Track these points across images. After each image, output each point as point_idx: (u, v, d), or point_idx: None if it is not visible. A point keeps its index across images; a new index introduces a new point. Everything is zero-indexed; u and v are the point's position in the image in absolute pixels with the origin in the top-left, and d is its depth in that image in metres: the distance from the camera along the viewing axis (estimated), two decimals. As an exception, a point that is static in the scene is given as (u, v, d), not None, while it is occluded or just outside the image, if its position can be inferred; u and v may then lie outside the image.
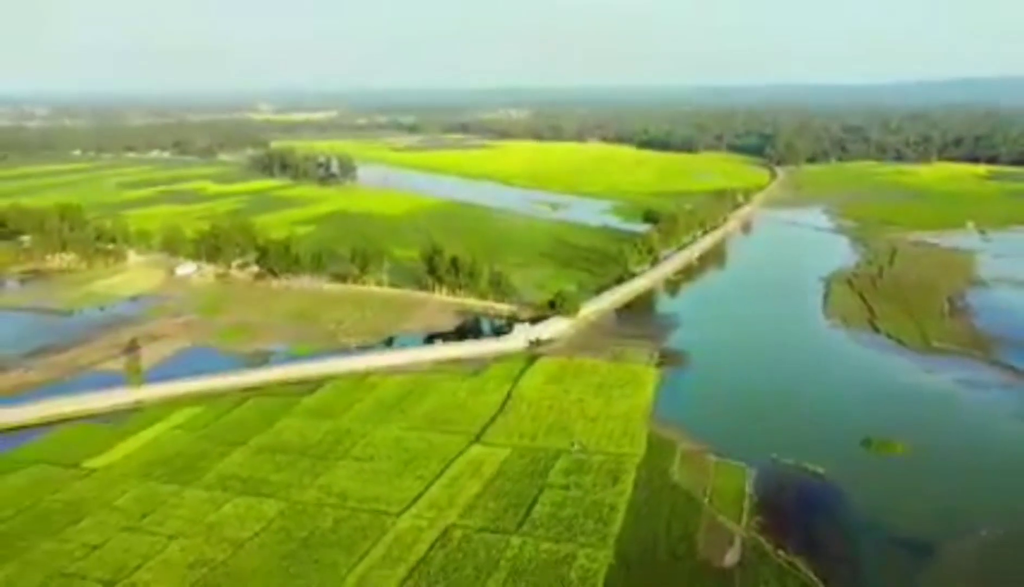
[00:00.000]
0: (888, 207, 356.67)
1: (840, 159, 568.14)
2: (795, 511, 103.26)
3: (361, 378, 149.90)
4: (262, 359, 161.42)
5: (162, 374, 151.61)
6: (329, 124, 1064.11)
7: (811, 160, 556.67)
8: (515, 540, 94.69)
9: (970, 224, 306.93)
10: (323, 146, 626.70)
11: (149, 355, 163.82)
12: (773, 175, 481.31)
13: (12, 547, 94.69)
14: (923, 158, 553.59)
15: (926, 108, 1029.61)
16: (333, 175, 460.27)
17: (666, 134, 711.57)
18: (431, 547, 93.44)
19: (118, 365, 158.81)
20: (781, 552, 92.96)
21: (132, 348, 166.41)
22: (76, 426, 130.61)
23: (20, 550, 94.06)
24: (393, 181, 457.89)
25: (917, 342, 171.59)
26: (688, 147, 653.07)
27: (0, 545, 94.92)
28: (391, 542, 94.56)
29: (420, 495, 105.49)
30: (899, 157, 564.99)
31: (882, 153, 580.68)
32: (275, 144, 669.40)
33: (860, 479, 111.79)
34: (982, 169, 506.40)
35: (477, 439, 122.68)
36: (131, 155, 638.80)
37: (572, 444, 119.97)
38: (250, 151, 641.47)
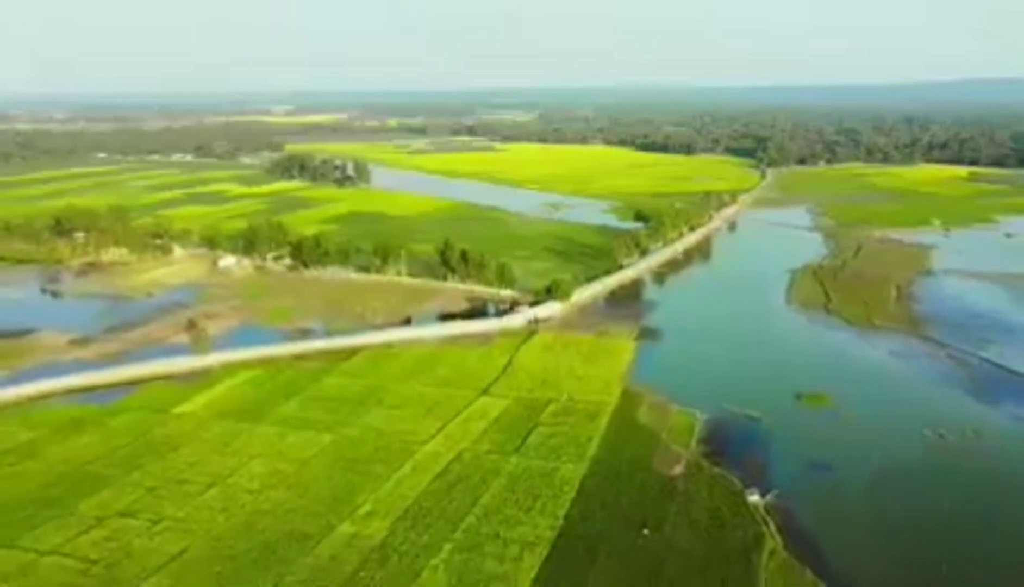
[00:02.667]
0: (865, 208, 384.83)
1: (829, 162, 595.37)
2: (732, 443, 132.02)
3: (387, 349, 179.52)
4: (303, 334, 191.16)
5: (222, 345, 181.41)
6: (340, 127, 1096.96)
7: (801, 162, 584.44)
8: (513, 459, 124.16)
9: (936, 222, 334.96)
10: (338, 149, 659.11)
11: (208, 331, 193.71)
12: (763, 177, 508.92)
13: (131, 464, 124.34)
14: (908, 160, 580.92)
15: (927, 110, 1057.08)
16: (349, 177, 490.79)
17: (665, 138, 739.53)
18: (449, 463, 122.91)
19: (182, 339, 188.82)
20: (716, 468, 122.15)
21: (192, 325, 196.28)
22: (158, 384, 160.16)
23: (137, 466, 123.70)
24: (406, 183, 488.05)
25: (862, 322, 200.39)
26: (686, 150, 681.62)
27: (123, 463, 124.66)
28: (418, 460, 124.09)
29: (439, 430, 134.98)
30: (886, 159, 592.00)
31: (870, 155, 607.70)
32: (290, 147, 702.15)
33: (788, 423, 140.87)
34: (963, 171, 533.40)
35: (484, 392, 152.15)
36: (155, 158, 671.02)
37: (563, 396, 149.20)
38: (266, 153, 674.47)
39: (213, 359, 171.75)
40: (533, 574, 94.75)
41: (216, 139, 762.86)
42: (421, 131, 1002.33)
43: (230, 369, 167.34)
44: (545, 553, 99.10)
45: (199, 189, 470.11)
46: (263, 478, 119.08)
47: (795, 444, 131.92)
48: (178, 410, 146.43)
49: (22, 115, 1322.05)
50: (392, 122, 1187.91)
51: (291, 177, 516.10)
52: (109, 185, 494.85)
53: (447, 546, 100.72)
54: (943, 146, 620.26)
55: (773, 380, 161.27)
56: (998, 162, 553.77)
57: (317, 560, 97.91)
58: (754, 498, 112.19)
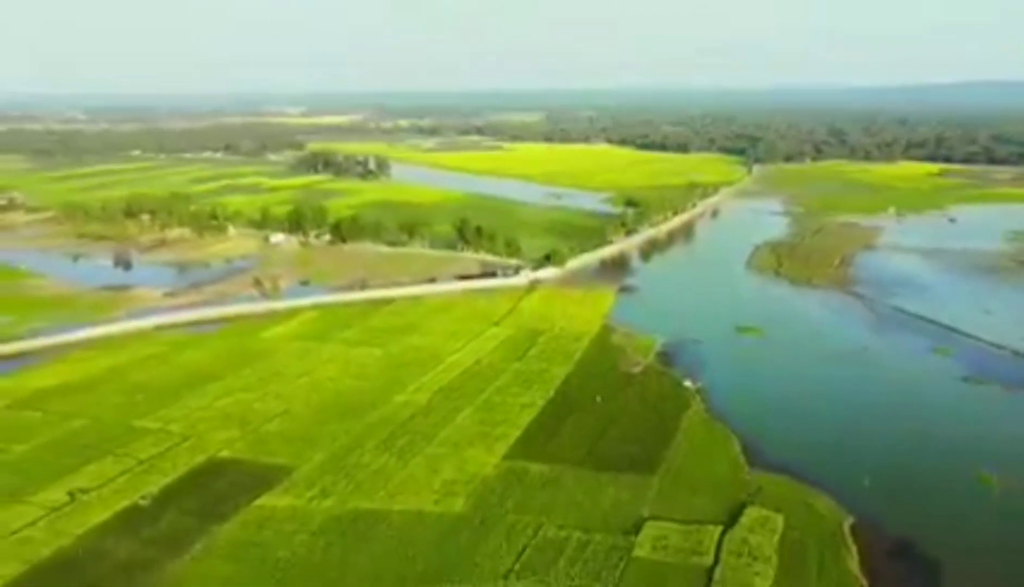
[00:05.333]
0: (835, 198, 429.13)
1: (814, 159, 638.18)
2: (680, 356, 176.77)
3: (417, 298, 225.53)
4: (348, 289, 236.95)
5: (283, 296, 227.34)
6: (354, 127, 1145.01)
7: (788, 160, 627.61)
8: (516, 363, 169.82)
9: (891, 209, 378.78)
10: (356, 148, 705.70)
11: (279, 283, 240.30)
12: (749, 173, 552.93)
13: (237, 366, 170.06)
14: (888, 158, 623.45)
15: (923, 112, 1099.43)
16: (371, 172, 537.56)
17: (663, 137, 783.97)
18: (470, 365, 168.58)
19: (250, 293, 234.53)
20: (664, 369, 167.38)
21: (258, 283, 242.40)
22: (242, 321, 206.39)
23: (242, 366, 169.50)
24: (422, 178, 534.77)
25: (803, 282, 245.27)
26: (683, 148, 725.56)
27: (230, 365, 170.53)
28: (446, 364, 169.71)
29: (462, 347, 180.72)
30: (868, 157, 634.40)
31: (853, 154, 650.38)
32: (312, 146, 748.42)
33: (726, 344, 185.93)
34: (935, 167, 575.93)
35: (494, 325, 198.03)
36: (186, 155, 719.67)
37: (555, 327, 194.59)
38: (289, 151, 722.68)
39: (280, 305, 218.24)
40: (529, 420, 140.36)
41: (240, 139, 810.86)
42: (432, 131, 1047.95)
43: (295, 311, 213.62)
44: (537, 411, 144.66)
45: (235, 182, 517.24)
46: (337, 373, 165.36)
47: (727, 357, 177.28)
48: (263, 335, 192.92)
49: (44, 115, 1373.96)
50: (403, 122, 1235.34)
51: (316, 172, 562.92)
52: (152, 179, 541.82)
53: (470, 407, 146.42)
54: (921, 145, 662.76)
55: (721, 319, 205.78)
56: (969, 159, 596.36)
57: (383, 412, 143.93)
58: (688, 383, 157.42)
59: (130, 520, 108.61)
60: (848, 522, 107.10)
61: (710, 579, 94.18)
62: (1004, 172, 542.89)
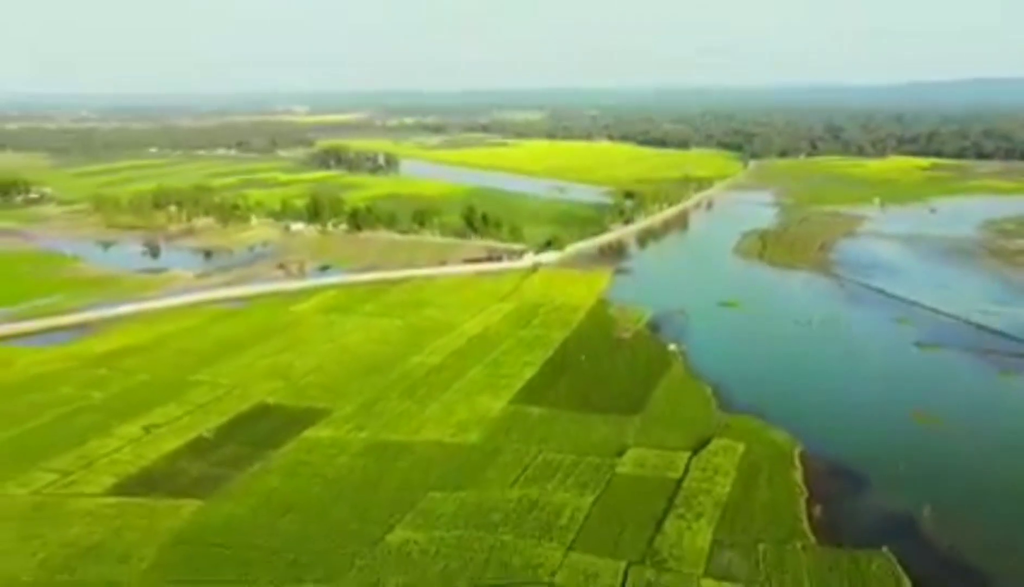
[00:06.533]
0: (824, 190, 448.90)
1: (809, 154, 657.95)
2: (666, 324, 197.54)
3: (429, 279, 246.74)
4: (366, 270, 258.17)
5: (306, 277, 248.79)
6: (361, 125, 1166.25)
7: (783, 155, 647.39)
8: (520, 331, 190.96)
9: (876, 200, 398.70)
10: (364, 145, 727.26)
11: (304, 264, 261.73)
12: (745, 167, 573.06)
13: (269, 335, 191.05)
14: (880, 154, 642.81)
15: (921, 109, 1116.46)
16: (381, 167, 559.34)
17: (664, 134, 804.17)
18: (479, 333, 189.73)
19: (275, 274, 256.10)
20: (652, 333, 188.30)
21: (282, 266, 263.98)
22: (270, 299, 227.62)
23: (273, 336, 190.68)
24: (430, 172, 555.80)
25: (784, 264, 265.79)
26: (683, 145, 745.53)
27: (262, 335, 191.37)
28: (458, 332, 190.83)
29: (471, 318, 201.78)
30: (861, 153, 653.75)
31: (847, 149, 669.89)
32: (321, 143, 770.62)
33: (708, 316, 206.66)
34: (925, 162, 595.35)
35: (500, 300, 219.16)
36: (200, 152, 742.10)
37: (555, 302, 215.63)
38: (298, 148, 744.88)
39: (305, 284, 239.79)
40: (531, 374, 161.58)
41: (251, 136, 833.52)
42: (437, 129, 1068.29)
43: (318, 289, 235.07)
44: (538, 368, 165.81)
45: (251, 176, 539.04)
46: (360, 339, 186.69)
47: (709, 326, 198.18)
48: (291, 309, 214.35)
49: (55, 114, 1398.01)
50: (408, 121, 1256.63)
51: (328, 167, 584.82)
52: (171, 174, 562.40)
53: (479, 365, 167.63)
54: (913, 141, 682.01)
55: (706, 296, 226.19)
56: (959, 154, 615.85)
57: (403, 370, 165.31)
58: (672, 347, 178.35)
59: (197, 448, 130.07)
60: (798, 449, 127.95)
61: (679, 487, 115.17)
62: (989, 166, 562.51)
